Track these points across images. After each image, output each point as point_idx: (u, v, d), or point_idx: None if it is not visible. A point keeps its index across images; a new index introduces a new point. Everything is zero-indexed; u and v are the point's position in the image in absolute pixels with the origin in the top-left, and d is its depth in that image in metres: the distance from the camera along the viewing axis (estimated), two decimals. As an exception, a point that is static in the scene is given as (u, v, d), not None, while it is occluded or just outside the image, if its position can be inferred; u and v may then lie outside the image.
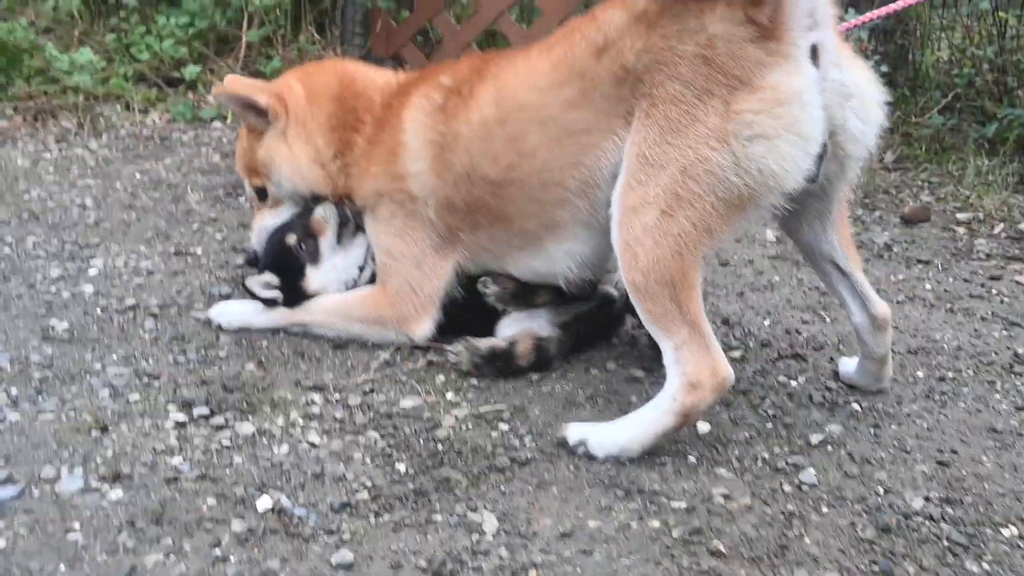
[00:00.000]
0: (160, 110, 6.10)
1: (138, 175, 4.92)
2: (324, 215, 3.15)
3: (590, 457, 2.46)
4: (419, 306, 3.01)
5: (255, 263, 3.29)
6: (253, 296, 3.11)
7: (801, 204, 2.55)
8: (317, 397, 2.71)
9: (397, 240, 3.03)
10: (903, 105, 5.88)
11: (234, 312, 3.15)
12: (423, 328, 3.02)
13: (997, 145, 5.36)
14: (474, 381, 2.84)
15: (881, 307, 2.80)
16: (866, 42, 5.35)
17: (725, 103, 2.36)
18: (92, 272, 3.57)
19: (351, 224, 3.16)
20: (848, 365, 2.98)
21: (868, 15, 3.69)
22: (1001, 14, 5.74)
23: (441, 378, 2.86)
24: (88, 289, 3.39)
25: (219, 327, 3.12)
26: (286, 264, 3.13)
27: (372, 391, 2.76)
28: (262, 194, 3.32)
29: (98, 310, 3.24)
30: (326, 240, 3.15)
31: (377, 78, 3.28)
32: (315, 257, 3.14)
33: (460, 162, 2.86)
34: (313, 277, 3.13)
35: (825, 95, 2.39)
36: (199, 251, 3.87)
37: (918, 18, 6.11)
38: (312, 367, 2.91)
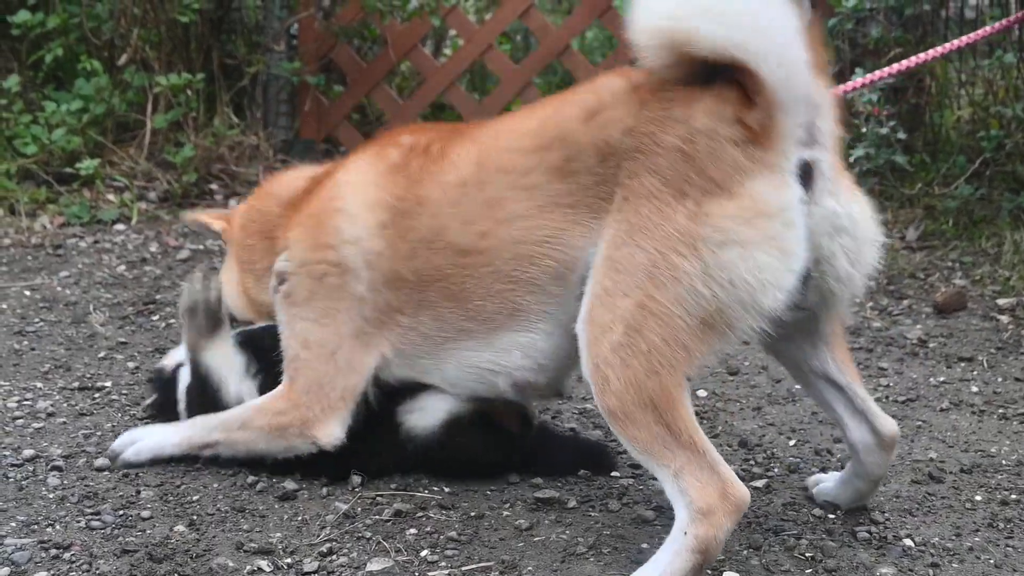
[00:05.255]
0: (51, 213, 6.08)
1: (28, 293, 4.88)
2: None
3: None
4: (328, 406, 2.99)
5: None
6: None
7: (785, 327, 2.59)
8: (264, 564, 2.64)
9: (312, 327, 3.02)
10: (924, 174, 6.01)
11: (142, 440, 3.16)
12: (330, 431, 2.99)
13: (1035, 216, 5.49)
14: (452, 533, 2.80)
15: (888, 424, 2.85)
16: (877, 105, 5.47)
17: (697, 205, 2.46)
18: (-21, 417, 3.51)
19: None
20: (825, 482, 3.03)
21: (877, 73, 3.78)
22: (1027, 67, 5.93)
23: (413, 531, 2.82)
24: (-25, 439, 3.33)
25: (125, 463, 3.13)
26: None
27: (331, 552, 2.71)
28: None
29: (-11, 465, 3.17)
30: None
31: (315, 169, 3.37)
32: None
33: (423, 227, 2.89)
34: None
35: (812, 220, 2.49)
36: (108, 384, 3.82)
37: (932, 74, 6.28)
38: (256, 524, 2.85)
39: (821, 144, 2.53)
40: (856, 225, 2.59)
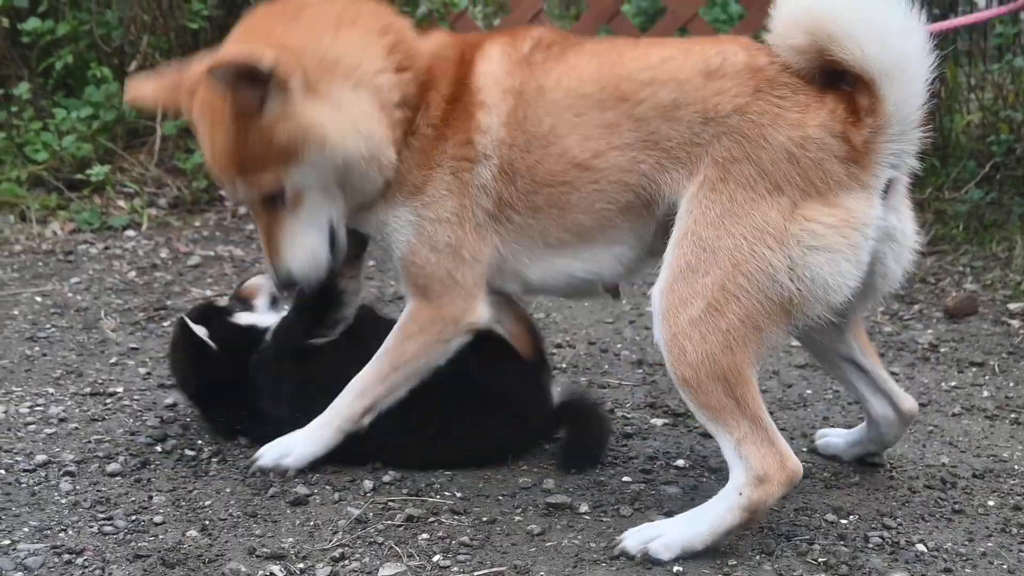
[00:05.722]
0: (62, 219, 6.09)
1: (39, 299, 4.89)
2: (256, 282, 3.60)
3: (656, 563, 2.66)
4: (468, 295, 3.04)
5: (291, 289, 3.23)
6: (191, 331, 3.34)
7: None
8: (277, 569, 2.65)
9: (442, 227, 3.02)
10: (934, 178, 6.00)
11: (294, 446, 3.14)
12: (480, 313, 3.06)
13: (1047, 221, 5.48)
14: (465, 538, 2.80)
15: (908, 401, 3.17)
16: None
17: (793, 205, 2.69)
18: (-9, 423, 3.52)
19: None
20: (832, 438, 3.36)
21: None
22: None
23: (425, 536, 2.82)
24: (-12, 444, 3.34)
25: (283, 473, 3.12)
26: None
27: (343, 557, 2.71)
28: (278, 199, 2.98)
29: (1, 470, 3.17)
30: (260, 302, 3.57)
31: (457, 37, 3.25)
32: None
33: (542, 124, 2.94)
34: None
35: (878, 231, 2.75)
36: (120, 390, 3.82)
37: (942, 78, 6.27)
38: (268, 530, 2.85)
39: (902, 167, 2.75)
40: (905, 236, 2.85)
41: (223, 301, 3.50)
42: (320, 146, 2.86)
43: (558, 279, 3.09)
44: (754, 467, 2.66)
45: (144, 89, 3.16)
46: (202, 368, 3.38)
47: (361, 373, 3.11)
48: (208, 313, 3.53)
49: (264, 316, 3.53)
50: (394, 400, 3.10)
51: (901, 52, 2.62)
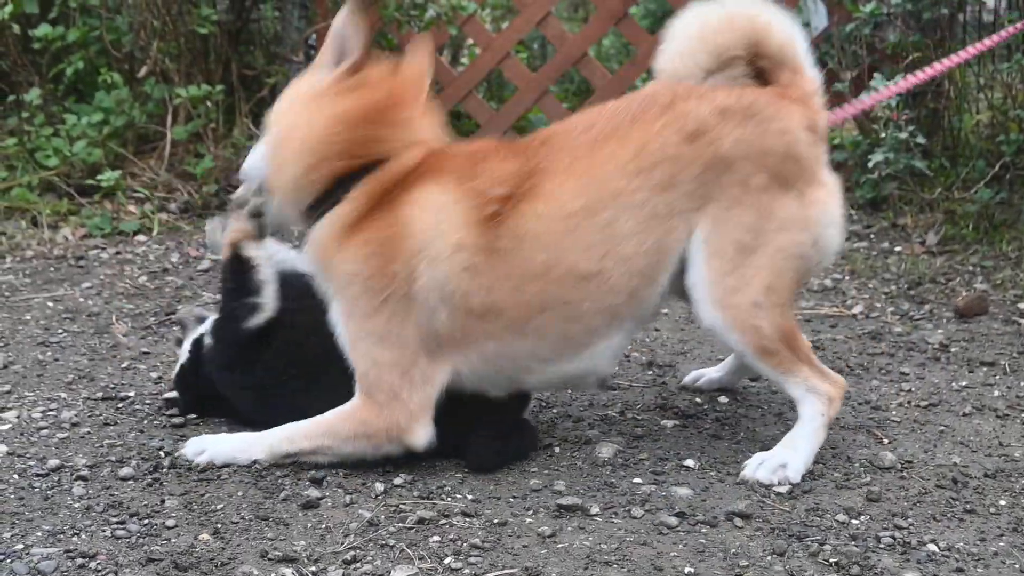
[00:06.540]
0: (73, 225, 6.10)
1: (51, 304, 4.90)
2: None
3: (791, 484, 3.12)
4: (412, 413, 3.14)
5: None
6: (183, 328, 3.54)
7: None
8: (289, 572, 2.65)
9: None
10: (943, 178, 5.99)
11: (218, 447, 3.23)
12: (423, 434, 3.14)
13: (1057, 220, 5.46)
14: (476, 540, 2.80)
15: None
16: (896, 110, 5.46)
17: (801, 194, 3.19)
18: (4, 427, 3.52)
19: None
20: (710, 373, 3.89)
21: (904, 84, 3.87)
22: (1047, 70, 5.91)
23: (436, 539, 2.82)
24: (1, 449, 3.34)
25: (200, 466, 3.19)
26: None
27: (355, 560, 2.71)
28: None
29: (15, 475, 3.18)
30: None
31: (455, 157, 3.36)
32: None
33: (535, 261, 3.10)
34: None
35: None
36: (131, 394, 3.83)
37: (951, 78, 6.26)
38: (280, 533, 2.86)
39: None
40: None
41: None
42: None
43: (553, 382, 3.42)
44: (824, 393, 3.20)
45: None
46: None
47: (300, 423, 3.21)
48: None
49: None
50: (316, 461, 3.19)
51: (799, 34, 3.32)
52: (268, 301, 3.38)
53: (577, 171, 3.14)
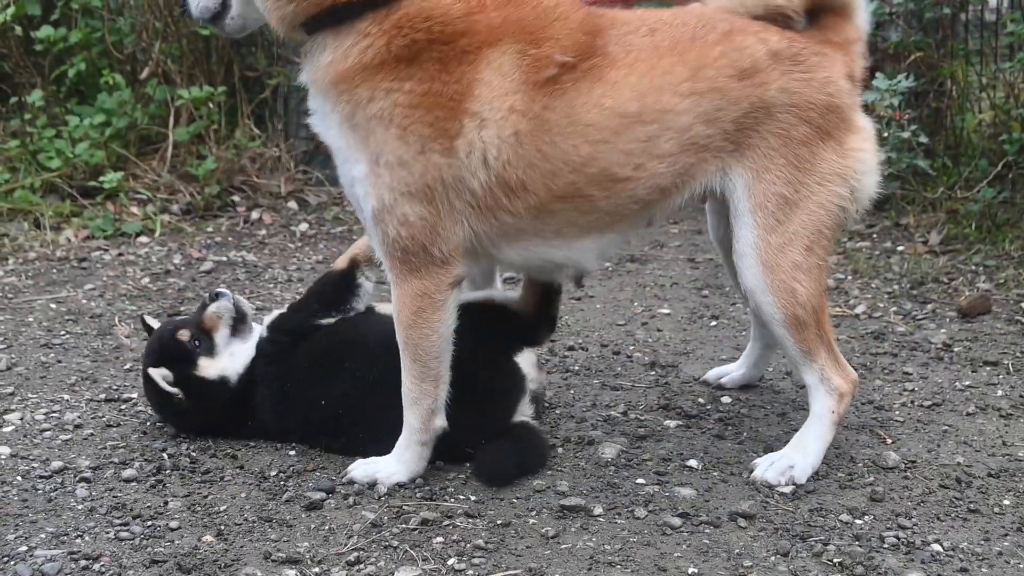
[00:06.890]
0: (75, 226, 6.10)
1: (54, 306, 4.90)
2: (218, 311, 3.48)
3: (798, 486, 3.09)
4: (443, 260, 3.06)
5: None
6: (156, 386, 3.35)
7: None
8: (292, 573, 2.66)
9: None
10: (945, 178, 5.98)
11: (390, 464, 3.15)
12: (461, 271, 3.09)
13: (1059, 219, 5.45)
14: (479, 541, 2.80)
15: None
16: (898, 109, 5.46)
17: (840, 143, 3.14)
18: (7, 429, 3.53)
19: (248, 320, 3.54)
20: (732, 371, 3.85)
21: None
22: (1049, 69, 5.89)
23: (439, 540, 2.82)
24: (4, 451, 3.35)
25: (384, 490, 3.10)
26: (177, 356, 3.41)
27: (359, 561, 2.72)
28: None
29: (18, 477, 3.19)
30: (220, 334, 3.47)
31: None
32: (210, 350, 3.44)
33: (579, 152, 3.02)
34: (208, 366, 3.42)
35: None
36: (134, 396, 3.83)
37: (953, 77, 6.26)
38: (283, 534, 2.86)
39: None
40: None
41: (184, 334, 3.43)
42: None
43: (531, 262, 3.21)
44: (837, 387, 3.17)
45: None
46: (177, 412, 3.47)
47: (403, 385, 3.12)
48: (172, 354, 3.44)
49: (231, 361, 3.46)
50: (445, 386, 3.10)
51: None
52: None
53: (638, 71, 3.05)
